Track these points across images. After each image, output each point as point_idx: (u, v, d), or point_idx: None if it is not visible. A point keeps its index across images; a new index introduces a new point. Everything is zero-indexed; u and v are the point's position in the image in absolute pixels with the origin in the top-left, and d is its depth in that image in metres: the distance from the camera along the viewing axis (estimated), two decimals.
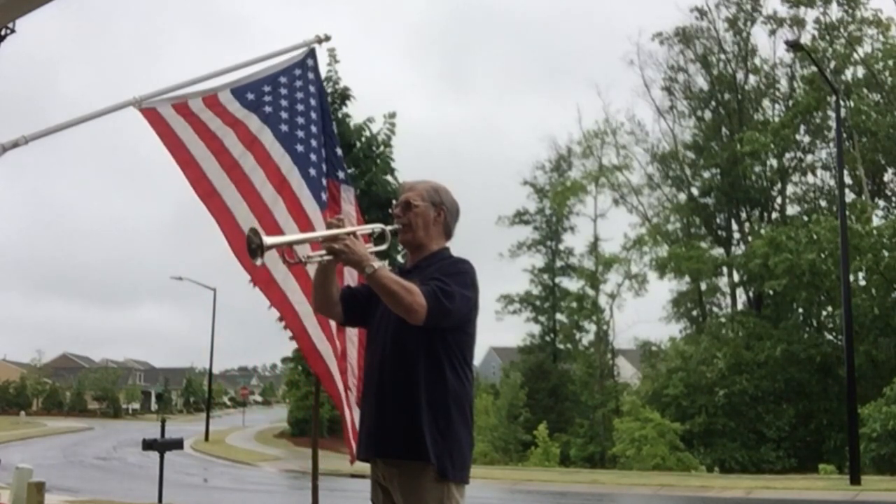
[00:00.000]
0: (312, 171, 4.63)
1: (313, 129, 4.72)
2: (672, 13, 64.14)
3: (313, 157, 4.66)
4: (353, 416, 4.58)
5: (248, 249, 2.85)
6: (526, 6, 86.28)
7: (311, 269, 4.44)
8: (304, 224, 4.48)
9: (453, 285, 2.88)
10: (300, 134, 4.65)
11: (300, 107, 4.70)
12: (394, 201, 3.22)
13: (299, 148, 4.62)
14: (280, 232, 4.33)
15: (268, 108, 4.59)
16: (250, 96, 4.58)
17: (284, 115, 4.63)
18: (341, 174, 4.90)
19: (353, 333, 4.72)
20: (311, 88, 4.80)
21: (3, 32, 12.61)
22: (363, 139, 9.19)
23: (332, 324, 4.60)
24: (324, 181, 4.68)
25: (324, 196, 4.63)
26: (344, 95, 9.39)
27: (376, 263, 2.82)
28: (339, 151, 5.00)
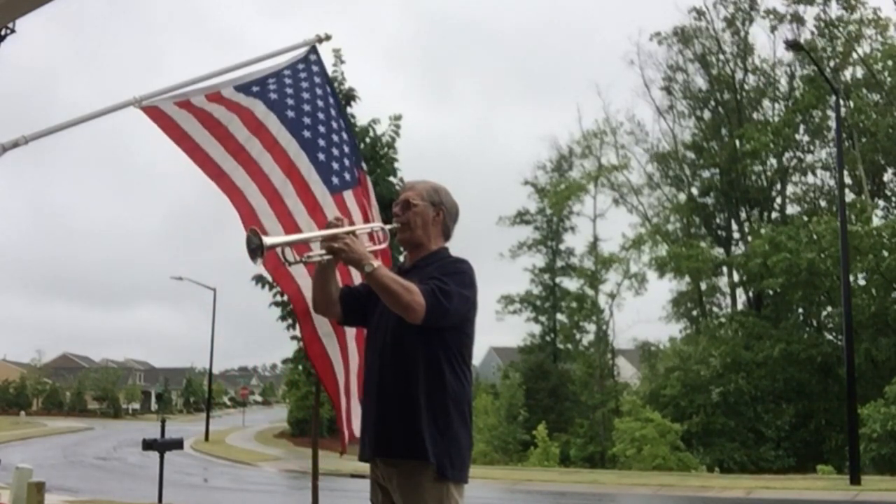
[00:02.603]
0: (321, 156, 4.61)
1: (321, 115, 4.71)
2: (672, 13, 64.22)
3: (322, 142, 4.64)
4: (349, 406, 4.53)
5: (248, 250, 2.85)
6: (512, 15, 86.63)
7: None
8: (315, 208, 4.46)
9: (452, 285, 2.89)
10: (307, 121, 4.64)
11: (306, 95, 4.70)
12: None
13: (306, 133, 4.61)
14: (290, 214, 4.35)
15: (273, 96, 4.59)
16: (255, 88, 4.58)
17: (291, 101, 4.62)
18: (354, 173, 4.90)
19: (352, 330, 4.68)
20: (317, 79, 4.80)
21: (3, 32, 12.61)
22: (368, 140, 9.21)
23: (351, 332, 4.55)
24: (335, 165, 4.66)
25: (334, 180, 4.61)
26: (349, 96, 9.41)
27: (375, 262, 2.83)
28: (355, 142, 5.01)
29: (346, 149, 4.78)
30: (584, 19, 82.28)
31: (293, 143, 4.55)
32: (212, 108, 4.41)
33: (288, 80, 4.69)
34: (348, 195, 4.64)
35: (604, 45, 75.16)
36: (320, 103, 4.74)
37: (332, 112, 4.83)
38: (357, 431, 4.42)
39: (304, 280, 4.28)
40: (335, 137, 4.75)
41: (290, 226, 4.32)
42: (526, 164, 65.58)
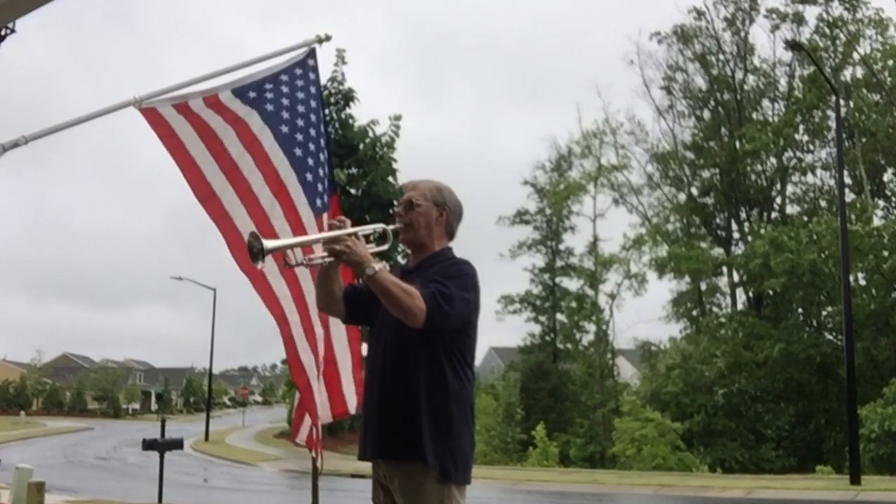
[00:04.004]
0: (309, 176, 4.60)
1: (312, 132, 4.69)
2: (672, 13, 64.15)
3: (311, 161, 4.63)
4: (317, 424, 4.58)
5: (249, 254, 2.85)
6: (510, 18, 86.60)
7: (305, 281, 4.44)
8: (300, 230, 4.46)
9: (453, 288, 2.88)
10: (299, 137, 4.62)
11: (301, 108, 4.67)
12: (395, 201, 3.23)
13: (298, 152, 4.59)
14: (276, 236, 4.33)
15: (269, 107, 4.56)
16: (252, 94, 4.55)
17: (285, 115, 4.60)
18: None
19: (340, 335, 4.72)
20: (312, 90, 4.77)
21: (3, 32, 12.61)
22: (367, 141, 9.23)
23: (319, 334, 4.58)
24: (319, 186, 4.65)
25: (318, 202, 4.60)
26: (348, 97, 9.41)
27: (377, 265, 2.81)
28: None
29: (327, 169, 4.78)
30: (583, 20, 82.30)
31: (284, 163, 4.53)
32: (209, 115, 4.38)
33: (284, 89, 4.66)
34: (325, 218, 4.64)
35: (603, 45, 75.12)
36: (313, 118, 4.72)
37: (322, 128, 4.81)
38: (302, 439, 4.48)
39: (287, 303, 4.30)
40: (321, 157, 4.74)
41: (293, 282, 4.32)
42: (525, 165, 65.52)
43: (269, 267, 4.29)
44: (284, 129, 4.59)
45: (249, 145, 4.46)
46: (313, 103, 4.75)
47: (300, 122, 4.65)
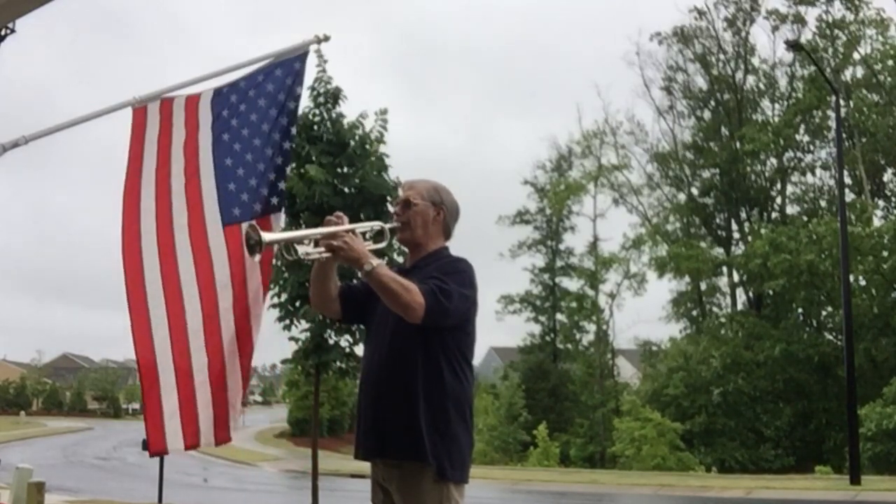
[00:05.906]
0: (232, 185, 4.35)
1: (256, 142, 4.44)
2: (672, 13, 64.15)
3: (241, 171, 4.38)
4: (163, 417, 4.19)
5: (247, 246, 2.85)
6: (509, 19, 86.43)
7: (224, 321, 4.20)
8: (204, 253, 4.19)
9: (452, 284, 2.88)
10: (237, 147, 4.39)
11: (253, 116, 4.45)
12: (388, 197, 3.23)
13: (228, 161, 4.37)
14: (177, 266, 4.18)
15: (225, 112, 4.37)
16: (225, 91, 4.47)
17: (234, 122, 4.41)
18: (275, 200, 4.51)
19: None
20: (281, 97, 4.55)
21: (2, 32, 12.62)
22: (357, 137, 9.18)
23: (199, 363, 4.28)
24: (244, 196, 4.34)
25: (235, 211, 4.30)
26: (335, 96, 9.39)
27: (375, 261, 2.81)
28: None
29: (274, 175, 4.44)
30: (583, 20, 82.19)
31: (210, 179, 4.30)
32: (178, 118, 4.31)
33: (252, 93, 4.41)
34: (243, 227, 4.16)
35: (603, 45, 75.02)
36: (265, 127, 4.43)
37: (275, 139, 4.48)
38: (177, 443, 4.21)
39: (163, 345, 4.10)
40: (259, 167, 4.41)
41: (174, 293, 4.12)
42: (525, 165, 65.47)
43: (157, 304, 4.10)
44: (225, 136, 4.39)
45: (189, 157, 4.32)
46: (273, 111, 4.50)
47: (245, 132, 4.42)
